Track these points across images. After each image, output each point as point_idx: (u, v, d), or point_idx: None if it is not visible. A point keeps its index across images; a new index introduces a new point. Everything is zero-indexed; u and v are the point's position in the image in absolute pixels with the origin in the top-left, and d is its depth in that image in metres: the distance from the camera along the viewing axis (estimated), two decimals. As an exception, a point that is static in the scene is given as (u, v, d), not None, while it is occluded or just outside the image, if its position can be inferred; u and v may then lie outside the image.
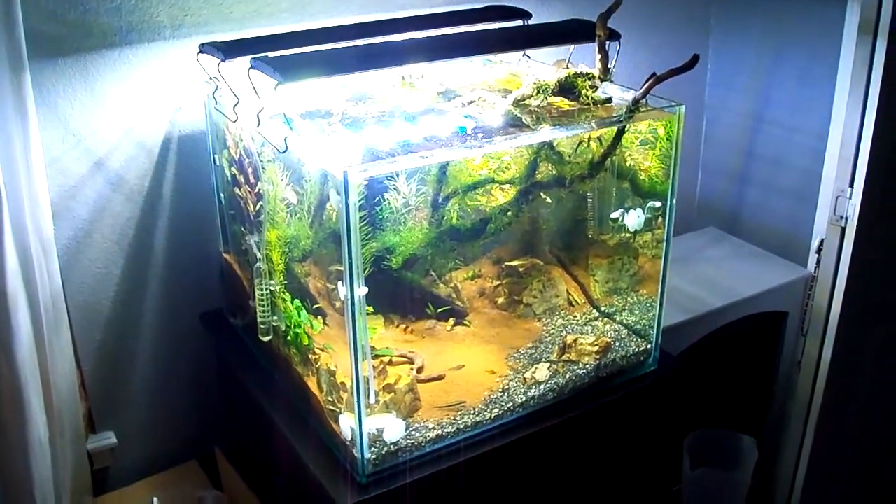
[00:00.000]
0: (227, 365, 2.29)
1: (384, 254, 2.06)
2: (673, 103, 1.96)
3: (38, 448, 2.11)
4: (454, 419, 1.94)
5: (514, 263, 2.30)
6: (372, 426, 1.84)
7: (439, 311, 2.22)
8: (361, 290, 1.72)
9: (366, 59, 1.92)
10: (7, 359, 2.01)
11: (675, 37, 2.98)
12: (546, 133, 1.89)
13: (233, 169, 2.09)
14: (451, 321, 2.23)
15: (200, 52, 2.07)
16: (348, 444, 1.84)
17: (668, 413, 2.27)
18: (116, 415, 2.41)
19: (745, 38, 2.94)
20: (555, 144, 2.03)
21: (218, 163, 2.19)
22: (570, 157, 2.05)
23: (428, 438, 1.90)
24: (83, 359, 2.32)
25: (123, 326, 2.35)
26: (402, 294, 2.18)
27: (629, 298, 2.27)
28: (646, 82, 1.86)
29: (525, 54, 2.30)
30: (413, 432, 1.90)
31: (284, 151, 1.76)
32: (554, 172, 2.05)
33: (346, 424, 1.84)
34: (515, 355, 2.15)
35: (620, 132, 1.98)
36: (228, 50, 1.96)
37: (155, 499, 2.30)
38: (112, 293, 2.31)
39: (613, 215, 2.12)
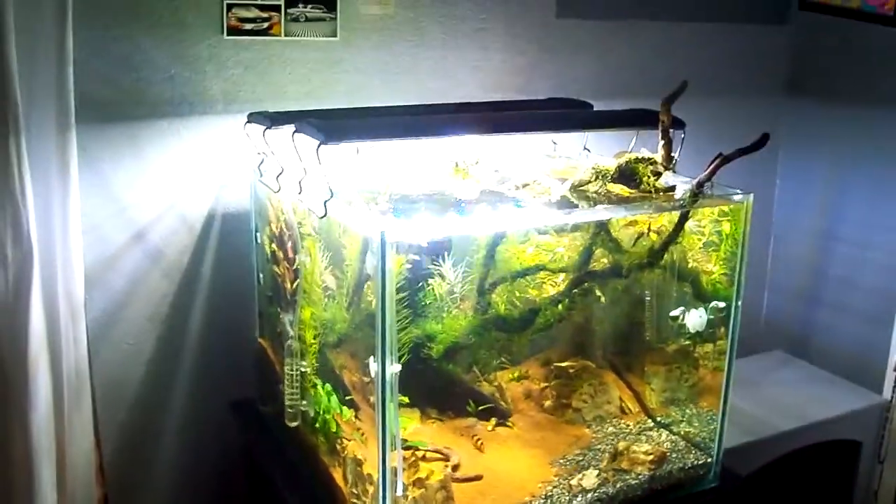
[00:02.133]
0: (253, 455, 2.13)
1: (424, 341, 1.90)
2: (740, 191, 1.80)
3: (43, 525, 1.94)
4: (490, 525, 1.73)
5: (564, 364, 2.13)
6: (398, 525, 1.64)
7: (480, 409, 2.03)
8: (394, 367, 1.56)
9: (412, 128, 1.82)
10: (21, 426, 1.89)
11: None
12: (601, 212, 1.74)
13: (273, 245, 1.98)
14: (493, 421, 2.05)
15: (248, 121, 1.98)
16: (372, 541, 1.64)
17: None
18: (134, 503, 2.22)
19: (815, 153, 2.81)
20: (612, 232, 1.87)
21: (259, 241, 2.07)
22: (627, 246, 1.88)
23: (459, 543, 1.69)
24: (104, 439, 2.15)
25: (150, 408, 2.21)
26: (441, 388, 2.01)
27: (687, 410, 2.07)
28: (711, 163, 1.71)
29: (586, 148, 2.18)
30: (442, 534, 1.69)
31: (324, 216, 1.64)
32: (610, 261, 1.87)
33: (369, 522, 1.64)
34: (561, 461, 1.96)
35: (683, 218, 1.83)
36: (276, 118, 1.87)
37: None
38: (141, 372, 2.18)
39: (673, 313, 1.94)
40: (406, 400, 1.83)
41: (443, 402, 2.03)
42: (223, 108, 2.12)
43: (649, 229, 1.87)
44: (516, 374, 2.16)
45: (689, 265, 2.00)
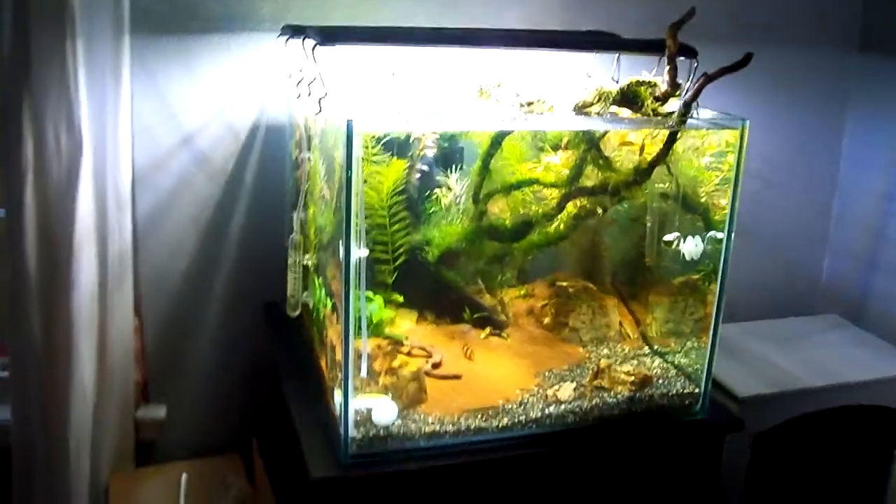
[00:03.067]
0: (271, 353, 2.26)
1: (423, 246, 2.00)
2: (737, 117, 1.79)
3: (80, 393, 2.17)
4: (456, 419, 1.81)
5: (564, 283, 2.16)
6: (361, 405, 1.75)
7: (475, 316, 2.09)
8: (361, 252, 1.66)
9: (413, 37, 1.89)
10: (65, 301, 2.10)
11: (811, 111, 2.78)
12: (577, 122, 1.77)
13: (296, 151, 2.11)
14: (487, 330, 2.12)
15: (281, 34, 2.11)
16: (338, 421, 1.75)
17: (716, 474, 2.01)
18: (170, 390, 2.44)
19: (885, 112, 2.70)
20: (602, 150, 1.90)
21: (289, 149, 2.21)
22: (618, 166, 1.91)
23: (423, 432, 1.78)
24: (147, 327, 2.35)
25: (189, 302, 2.39)
26: (438, 292, 2.10)
27: (689, 343, 2.06)
28: (696, 82, 1.72)
29: (588, 75, 2.18)
30: (409, 422, 1.79)
31: (318, 112, 1.75)
32: (599, 179, 1.91)
33: (337, 401, 1.76)
34: (547, 374, 2.00)
35: (671, 138, 1.83)
36: (298, 29, 1.98)
37: (184, 475, 2.28)
38: (183, 267, 2.36)
39: (667, 238, 1.95)
40: (400, 299, 1.94)
41: (440, 307, 2.12)
42: (270, 26, 2.25)
43: (642, 150, 1.89)
44: (523, 292, 2.22)
45: (697, 195, 2.00)
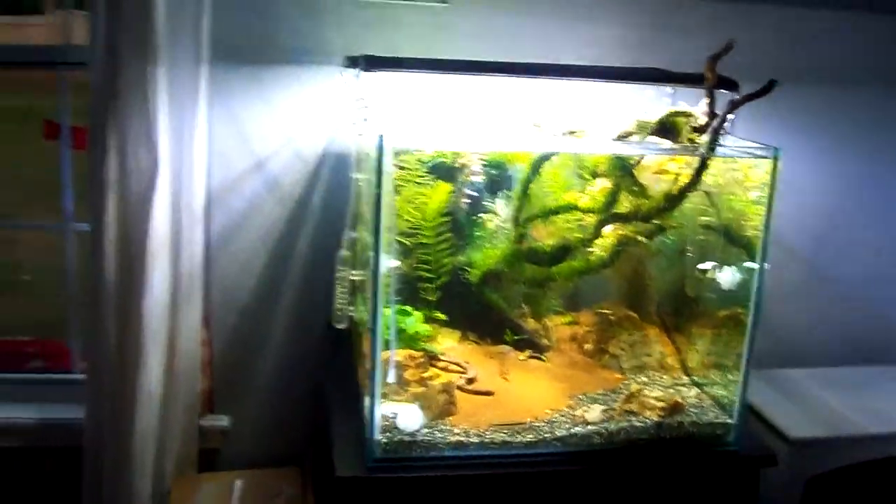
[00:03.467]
0: (325, 366, 2.37)
1: (466, 267, 2.09)
2: (770, 147, 1.82)
3: (146, 397, 2.31)
4: (482, 432, 1.87)
5: (605, 311, 2.20)
6: (388, 411, 1.83)
7: (516, 338, 2.16)
8: (391, 263, 1.76)
9: (460, 66, 1.99)
10: (139, 306, 2.25)
11: (887, 149, 2.75)
12: (611, 146, 1.84)
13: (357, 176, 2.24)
14: (528, 352, 2.18)
15: (343, 64, 2.25)
16: (366, 426, 1.84)
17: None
18: (235, 401, 2.57)
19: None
20: (636, 176, 1.96)
21: (353, 175, 2.34)
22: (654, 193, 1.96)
23: (448, 441, 1.86)
24: (216, 339, 2.50)
25: (257, 319, 2.53)
26: (480, 313, 2.19)
27: (729, 375, 2.06)
28: (724, 111, 1.77)
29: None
30: (435, 432, 1.87)
31: (360, 134, 1.87)
32: (633, 205, 1.96)
33: (366, 406, 1.85)
34: (581, 397, 2.05)
35: (702, 165, 1.87)
36: (355, 60, 2.11)
37: (238, 482, 2.40)
38: (251, 285, 2.51)
39: (702, 266, 1.98)
40: (443, 317, 2.03)
41: (483, 328, 2.21)
42: (339, 59, 2.39)
43: (677, 178, 1.93)
44: (568, 319, 2.27)
45: (741, 228, 2.02)
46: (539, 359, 2.18)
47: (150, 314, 2.28)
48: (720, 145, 1.83)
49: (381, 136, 1.68)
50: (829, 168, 2.74)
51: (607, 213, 2.00)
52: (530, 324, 2.22)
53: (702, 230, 2.09)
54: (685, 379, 2.16)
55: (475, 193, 2.14)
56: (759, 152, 1.85)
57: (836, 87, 2.65)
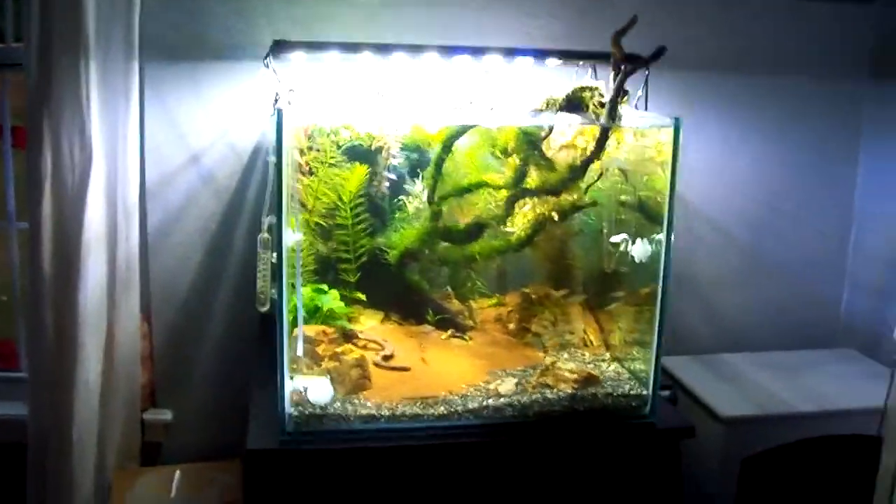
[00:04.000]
0: (259, 355, 2.40)
1: (385, 248, 2.14)
2: (671, 117, 1.87)
3: (84, 389, 2.36)
4: (394, 405, 1.91)
5: (527, 290, 2.24)
6: (298, 385, 1.87)
7: (437, 318, 2.20)
8: (294, 236, 1.80)
9: (370, 47, 2.04)
10: (75, 297, 2.30)
11: (825, 139, 2.79)
12: (513, 117, 1.89)
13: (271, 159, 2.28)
14: (450, 332, 2.22)
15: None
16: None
17: (674, 483, 2.03)
18: (176, 395, 2.62)
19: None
20: (545, 151, 2.00)
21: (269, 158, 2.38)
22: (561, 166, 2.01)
23: (359, 415, 1.89)
24: (155, 333, 2.55)
25: (195, 312, 2.59)
26: (404, 296, 2.22)
27: (649, 353, 2.09)
28: (616, 79, 1.82)
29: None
30: (347, 405, 1.91)
31: (272, 115, 1.92)
32: (541, 179, 2.01)
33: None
34: (500, 373, 2.08)
35: (603, 135, 1.92)
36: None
37: (178, 472, 2.43)
38: (189, 279, 2.56)
39: (614, 239, 2.02)
40: (362, 297, 2.07)
41: (406, 309, 2.25)
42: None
43: (584, 151, 1.98)
44: (494, 301, 2.30)
45: (656, 203, 2.06)
46: (461, 338, 2.21)
47: (87, 306, 2.33)
48: (620, 116, 1.85)
49: (279, 111, 1.74)
50: (771, 155, 2.78)
51: (517, 188, 2.03)
52: (455, 305, 2.26)
53: (620, 208, 2.11)
54: (607, 356, 2.17)
55: (394, 177, 2.17)
56: (660, 122, 1.88)
57: (777, 75, 2.70)
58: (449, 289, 2.27)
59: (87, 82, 2.27)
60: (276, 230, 1.78)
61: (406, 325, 2.22)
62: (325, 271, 2.15)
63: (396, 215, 2.17)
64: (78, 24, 2.21)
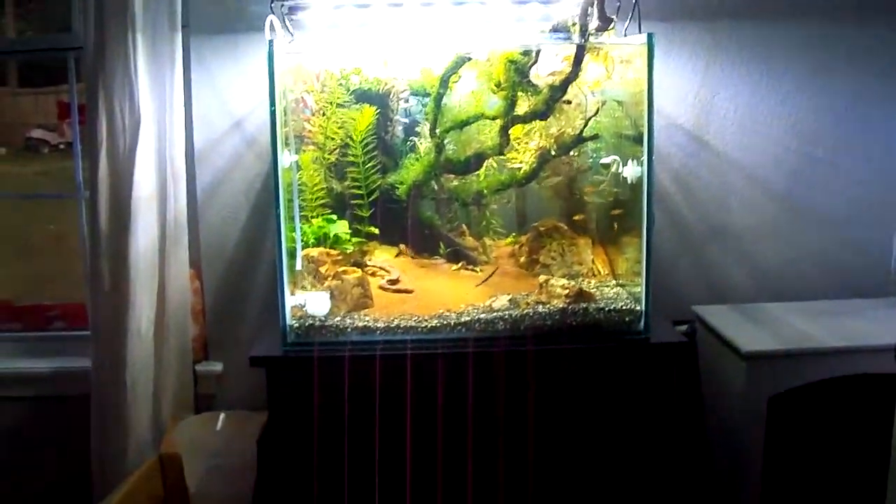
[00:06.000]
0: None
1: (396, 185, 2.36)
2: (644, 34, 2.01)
3: (136, 336, 2.63)
4: (390, 320, 2.09)
5: (536, 223, 2.38)
6: (298, 300, 2.08)
7: (448, 250, 2.40)
8: (291, 157, 2.02)
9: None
10: (124, 253, 2.59)
11: (861, 80, 2.81)
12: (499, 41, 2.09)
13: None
14: (461, 264, 2.40)
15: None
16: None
17: (667, 399, 2.14)
18: (227, 348, 2.87)
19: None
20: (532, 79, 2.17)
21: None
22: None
23: (355, 326, 2.09)
24: (206, 289, 2.81)
25: (244, 270, 2.84)
26: (417, 232, 2.43)
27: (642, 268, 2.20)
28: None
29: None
30: (346, 319, 2.10)
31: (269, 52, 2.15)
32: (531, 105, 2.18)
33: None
34: (501, 296, 2.23)
35: (579, 53, 2.07)
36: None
37: (222, 415, 2.66)
38: (236, 237, 2.82)
39: (604, 161, 2.15)
40: (375, 231, 2.28)
41: (418, 244, 2.44)
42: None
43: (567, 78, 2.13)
44: (511, 240, 2.48)
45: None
46: (472, 270, 2.38)
47: (139, 260, 2.61)
48: (591, 34, 2.01)
49: (270, 42, 1.97)
50: (805, 102, 2.81)
51: (508, 116, 2.19)
52: (469, 242, 2.43)
53: (621, 140, 2.24)
54: (612, 282, 2.29)
55: (406, 121, 2.37)
56: (633, 40, 2.01)
57: (809, 18, 2.75)
58: (463, 226, 2.43)
59: (135, 52, 2.57)
60: (272, 152, 1.99)
61: (418, 259, 2.40)
62: (340, 208, 2.34)
63: (409, 156, 2.35)
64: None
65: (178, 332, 2.76)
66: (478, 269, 2.41)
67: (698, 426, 2.57)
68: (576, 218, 2.41)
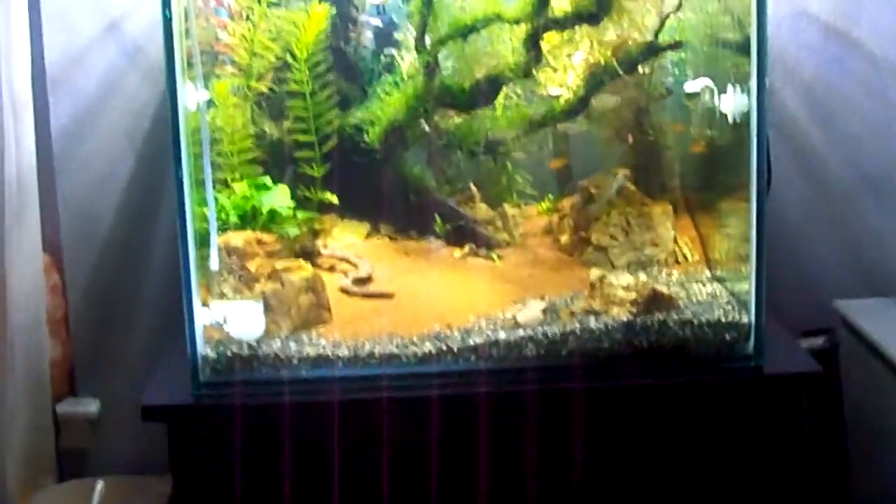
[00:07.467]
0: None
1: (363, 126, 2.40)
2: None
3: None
4: (359, 344, 2.14)
5: (586, 182, 2.42)
6: (215, 315, 2.14)
7: (448, 228, 2.42)
8: (200, 95, 2.06)
9: None
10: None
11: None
12: None
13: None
14: (466, 249, 2.42)
15: None
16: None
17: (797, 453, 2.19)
18: (104, 377, 2.92)
19: None
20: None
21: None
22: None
23: (306, 356, 2.13)
24: (71, 288, 2.85)
25: (128, 253, 2.87)
26: (399, 199, 2.45)
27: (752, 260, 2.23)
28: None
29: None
30: (291, 343, 2.15)
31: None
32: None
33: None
34: (531, 301, 2.26)
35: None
36: None
37: (100, 483, 2.70)
38: (115, 201, 2.86)
39: (689, 88, 2.18)
40: (333, 199, 2.32)
41: (402, 218, 2.48)
42: None
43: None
44: (546, 207, 2.52)
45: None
46: (487, 258, 2.42)
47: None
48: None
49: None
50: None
51: (539, 17, 2.22)
52: (480, 211, 2.46)
53: (716, 49, 2.27)
54: (707, 275, 2.35)
55: (379, 23, 2.41)
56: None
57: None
58: (472, 188, 2.46)
59: None
60: (167, 82, 2.02)
61: (401, 241, 2.43)
62: (278, 165, 2.38)
63: (383, 81, 2.38)
64: None
65: (27, 353, 2.76)
66: (494, 254, 2.44)
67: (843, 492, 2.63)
68: (647, 173, 2.43)
